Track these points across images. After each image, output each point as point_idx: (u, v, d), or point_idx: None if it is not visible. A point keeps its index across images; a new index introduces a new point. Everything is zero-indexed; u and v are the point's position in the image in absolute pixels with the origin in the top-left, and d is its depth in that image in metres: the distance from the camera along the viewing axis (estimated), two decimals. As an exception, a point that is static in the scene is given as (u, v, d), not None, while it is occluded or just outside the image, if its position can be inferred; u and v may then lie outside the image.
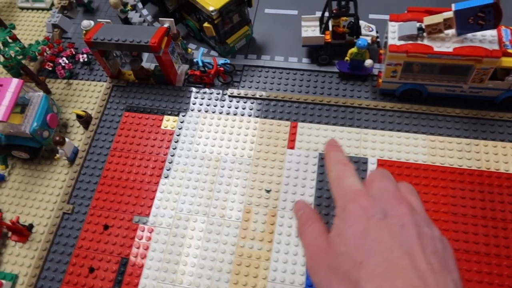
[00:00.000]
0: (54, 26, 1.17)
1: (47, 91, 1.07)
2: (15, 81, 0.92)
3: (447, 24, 0.82)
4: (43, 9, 1.27)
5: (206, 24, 0.96)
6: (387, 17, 1.08)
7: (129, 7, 1.14)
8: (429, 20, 0.82)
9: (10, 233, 0.90)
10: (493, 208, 0.81)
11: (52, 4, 1.27)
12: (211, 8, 0.94)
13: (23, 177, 0.98)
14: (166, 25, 0.97)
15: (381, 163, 0.88)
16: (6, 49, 0.94)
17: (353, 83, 1.00)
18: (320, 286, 0.71)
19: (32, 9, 1.27)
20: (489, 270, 0.76)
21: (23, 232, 0.89)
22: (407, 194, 0.74)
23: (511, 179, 0.83)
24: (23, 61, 0.99)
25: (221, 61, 1.01)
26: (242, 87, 1.03)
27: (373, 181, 0.80)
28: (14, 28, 0.96)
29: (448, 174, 0.86)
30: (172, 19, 0.97)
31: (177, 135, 0.97)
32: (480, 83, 0.88)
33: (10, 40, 0.95)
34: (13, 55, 0.94)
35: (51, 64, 1.10)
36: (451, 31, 0.84)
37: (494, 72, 0.86)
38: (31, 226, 0.90)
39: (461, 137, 0.89)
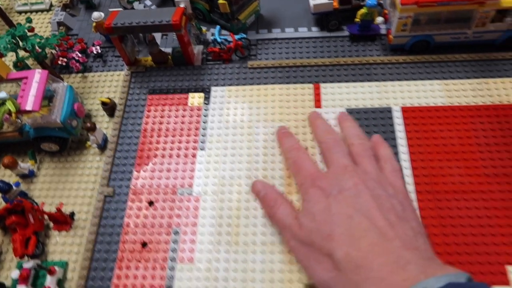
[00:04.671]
0: (60, 24, 1.17)
1: (64, 86, 1.07)
2: (39, 72, 0.92)
3: (450, -27, 0.89)
4: (42, 11, 1.26)
5: (221, 1, 0.99)
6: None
7: (135, -3, 1.16)
8: (433, -29, 0.89)
9: (51, 224, 0.89)
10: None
11: (51, 5, 1.27)
12: (224, -16, 0.98)
13: (54, 170, 0.97)
14: (182, 5, 1.00)
15: (405, 110, 0.94)
16: (25, 42, 0.93)
17: (363, 43, 1.06)
18: (301, 264, 0.82)
19: (31, 11, 1.26)
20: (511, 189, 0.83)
21: (66, 220, 0.88)
22: (359, 157, 0.82)
23: (523, 108, 0.92)
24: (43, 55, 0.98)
25: (237, 36, 1.04)
26: (260, 59, 1.07)
27: (328, 156, 0.83)
28: (31, 21, 0.95)
29: (466, 112, 0.93)
30: (188, 0, 1.00)
31: (205, 110, 0.99)
32: (483, 26, 0.96)
33: (29, 34, 0.95)
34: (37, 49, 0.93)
35: (65, 60, 1.10)
36: (453, -19, 0.92)
37: (494, 15, 0.94)
38: (72, 214, 0.90)
39: (471, 78, 0.97)
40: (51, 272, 0.80)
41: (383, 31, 1.05)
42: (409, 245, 0.60)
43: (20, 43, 0.95)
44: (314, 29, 1.10)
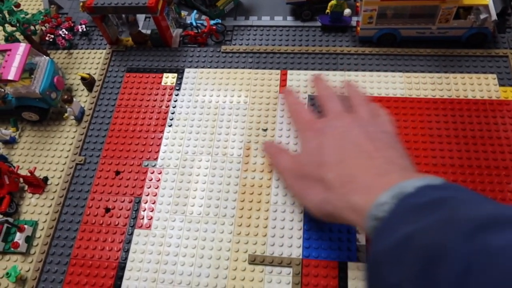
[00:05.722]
0: (51, 2, 1.24)
1: (50, 61, 1.13)
2: (23, 46, 0.98)
3: (413, -32, 0.92)
4: (37, -10, 1.33)
5: (197, -14, 1.04)
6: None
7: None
8: (397, -34, 0.93)
9: (26, 187, 0.96)
10: (464, 128, 0.92)
11: (46, -15, 1.33)
12: (201, -29, 1.02)
13: (33, 138, 1.04)
14: (160, -11, 1.05)
15: (364, 99, 0.98)
16: (12, 17, 1.00)
17: (334, 34, 1.10)
18: (297, 196, 0.81)
19: (27, -10, 1.33)
20: (464, 178, 0.86)
21: (39, 184, 0.95)
22: (355, 106, 0.84)
23: (477, 103, 0.95)
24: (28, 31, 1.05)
25: (212, 21, 1.09)
26: (234, 45, 1.12)
27: (324, 107, 0.86)
28: (18, -3, 1.03)
29: (423, 104, 0.96)
30: (166, -17, 1.05)
31: (177, 89, 1.05)
32: (446, 23, 0.99)
33: (15, 9, 1.02)
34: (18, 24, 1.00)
35: (52, 36, 1.16)
36: (418, -24, 0.95)
37: (457, 12, 0.97)
38: (46, 178, 0.97)
39: (433, 72, 1.00)
40: (21, 229, 0.88)
41: (353, 23, 1.09)
42: (392, 162, 0.64)
43: (8, 18, 1.02)
44: (289, 18, 1.15)
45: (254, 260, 0.81)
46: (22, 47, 0.98)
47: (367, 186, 0.60)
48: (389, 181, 0.56)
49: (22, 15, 1.00)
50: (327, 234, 0.82)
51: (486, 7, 0.96)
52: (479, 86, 0.97)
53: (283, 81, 1.03)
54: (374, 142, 0.68)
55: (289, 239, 0.83)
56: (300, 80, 1.03)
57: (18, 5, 1.05)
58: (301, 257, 0.81)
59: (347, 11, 1.02)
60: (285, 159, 0.81)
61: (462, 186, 0.54)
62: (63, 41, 1.15)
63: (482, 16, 0.95)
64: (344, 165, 0.66)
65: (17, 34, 1.16)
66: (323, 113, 0.82)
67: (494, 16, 0.97)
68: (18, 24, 1.02)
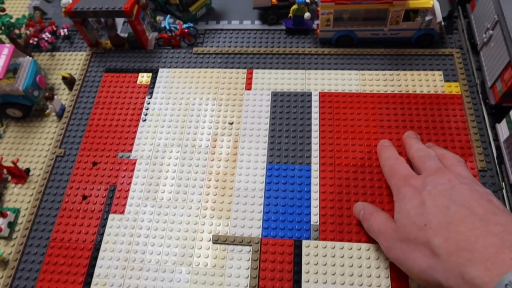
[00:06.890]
0: (35, 8, 1.32)
1: (34, 62, 1.21)
2: (7, 47, 1.06)
3: (363, -24, 1.02)
4: (22, -3, 1.41)
5: (170, -7, 1.13)
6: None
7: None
8: (348, -26, 1.02)
9: (9, 177, 1.03)
10: (411, 120, 1.01)
11: (31, -8, 1.42)
12: (173, -21, 1.11)
13: (17, 133, 1.11)
14: (136, -5, 1.14)
15: (322, 95, 1.07)
16: (-3, 21, 1.08)
17: (297, 36, 1.19)
18: (398, 260, 0.75)
19: (14, -3, 1.42)
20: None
21: (22, 174, 1.02)
22: (453, 166, 0.79)
23: (425, 97, 1.04)
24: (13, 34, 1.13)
25: (185, 25, 1.18)
26: (205, 47, 1.20)
27: (421, 166, 0.81)
28: (3, 2, 1.10)
29: (376, 98, 1.05)
30: (141, -10, 1.14)
31: (151, 88, 1.13)
32: (397, 24, 1.08)
33: (1, 13, 1.10)
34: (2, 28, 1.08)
35: (36, 39, 1.24)
36: (368, -17, 1.04)
37: (406, 15, 1.07)
38: (28, 170, 1.04)
39: (385, 70, 1.09)
40: (3, 215, 0.95)
41: (314, 27, 1.18)
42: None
43: (-7, 21, 1.11)
44: (256, 22, 1.24)
45: (217, 240, 0.89)
46: (6, 48, 1.06)
47: (487, 259, 0.55)
48: None
49: (7, 19, 1.08)
50: (284, 215, 0.90)
51: (431, 10, 1.05)
52: (426, 82, 1.06)
53: (248, 79, 1.12)
54: (484, 205, 0.62)
55: (250, 220, 0.91)
56: (265, 78, 1.11)
57: (3, 10, 1.13)
58: (260, 236, 0.89)
59: (306, 15, 1.12)
60: (379, 220, 0.76)
61: None
62: (46, 44, 1.23)
63: (427, 18, 1.04)
64: (454, 228, 0.61)
65: (3, 38, 1.24)
66: (420, 172, 0.79)
67: (439, 18, 1.07)
68: (3, 27, 1.10)
